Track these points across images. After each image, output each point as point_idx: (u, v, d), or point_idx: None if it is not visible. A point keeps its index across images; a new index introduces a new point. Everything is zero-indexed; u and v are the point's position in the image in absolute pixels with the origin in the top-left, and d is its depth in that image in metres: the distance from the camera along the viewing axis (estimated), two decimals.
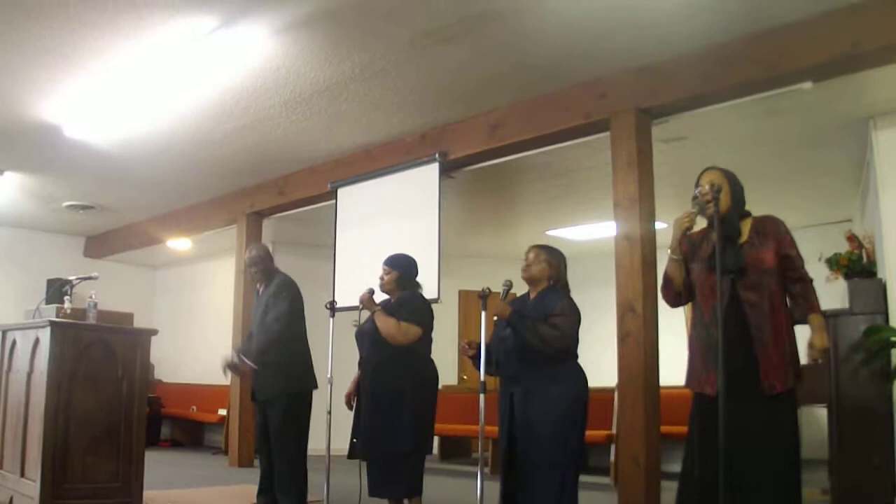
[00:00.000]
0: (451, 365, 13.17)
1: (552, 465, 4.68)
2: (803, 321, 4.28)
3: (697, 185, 4.46)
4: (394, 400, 5.51)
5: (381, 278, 5.83)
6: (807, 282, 4.29)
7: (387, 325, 5.54)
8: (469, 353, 5.11)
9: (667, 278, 4.62)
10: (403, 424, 5.48)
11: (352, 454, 5.69)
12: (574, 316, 4.87)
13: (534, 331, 4.73)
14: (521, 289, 5.10)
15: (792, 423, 4.23)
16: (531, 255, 5.09)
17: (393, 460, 5.53)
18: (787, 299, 4.32)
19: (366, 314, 5.73)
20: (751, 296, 4.23)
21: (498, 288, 4.89)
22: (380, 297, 5.80)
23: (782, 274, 4.29)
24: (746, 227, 4.41)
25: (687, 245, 4.56)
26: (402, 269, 5.86)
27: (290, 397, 6.20)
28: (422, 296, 5.90)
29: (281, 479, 6.16)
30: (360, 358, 5.83)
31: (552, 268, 5.05)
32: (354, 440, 5.64)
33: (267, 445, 6.31)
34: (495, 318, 4.81)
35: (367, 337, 5.70)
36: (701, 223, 4.53)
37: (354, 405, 5.81)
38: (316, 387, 6.36)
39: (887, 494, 6.35)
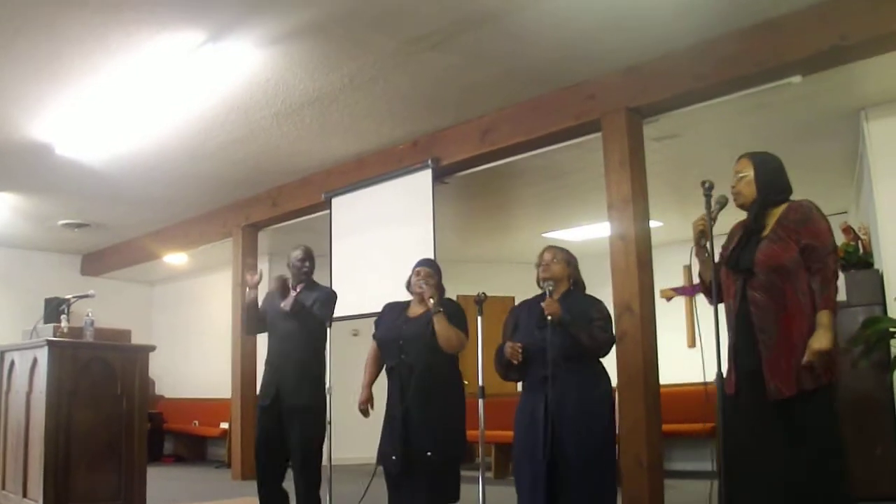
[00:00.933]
0: None
1: (600, 464, 4.69)
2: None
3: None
4: (446, 406, 5.36)
5: (425, 281, 5.51)
6: (826, 274, 3.98)
7: (449, 332, 5.28)
8: (519, 358, 4.89)
9: (700, 277, 4.47)
10: (455, 430, 5.38)
11: (399, 468, 5.30)
12: (610, 319, 4.98)
13: (588, 332, 4.75)
14: (530, 290, 5.10)
15: (820, 428, 3.95)
16: (548, 255, 5.04)
17: (443, 467, 5.27)
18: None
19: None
20: (758, 296, 4.05)
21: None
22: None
23: (807, 268, 4.02)
24: (774, 217, 4.20)
25: (727, 240, 4.37)
26: (440, 273, 5.71)
27: (320, 407, 6.01)
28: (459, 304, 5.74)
29: (301, 493, 5.93)
30: (397, 363, 5.48)
31: (571, 266, 5.06)
32: (394, 456, 5.29)
33: (275, 457, 6.05)
34: (549, 317, 4.72)
35: (418, 342, 5.38)
36: (741, 213, 4.37)
37: (390, 412, 5.45)
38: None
39: (890, 485, 6.35)
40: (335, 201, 9.11)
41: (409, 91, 7.07)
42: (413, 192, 8.15)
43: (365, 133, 8.10)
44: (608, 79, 6.67)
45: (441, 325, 5.27)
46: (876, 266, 7.00)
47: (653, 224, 6.52)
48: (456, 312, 5.49)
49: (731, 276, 4.22)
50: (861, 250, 7.18)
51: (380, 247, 8.05)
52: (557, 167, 8.70)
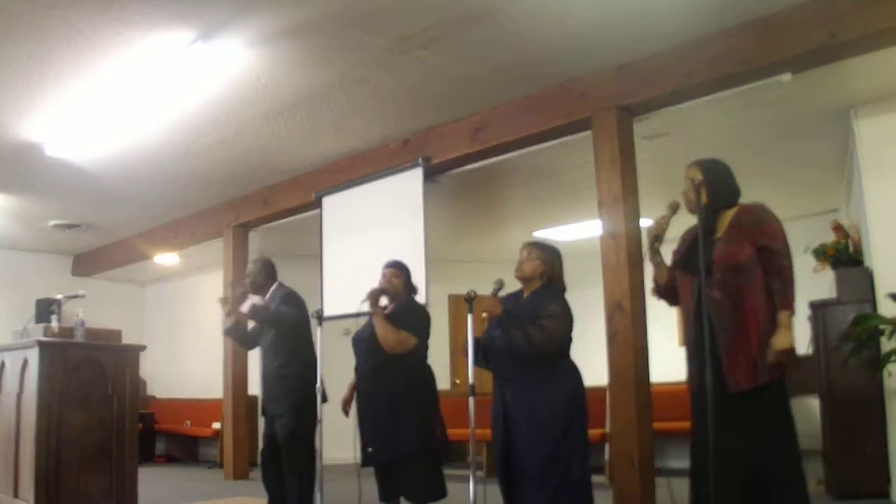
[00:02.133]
0: (443, 370, 13.12)
1: (545, 466, 4.63)
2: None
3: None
4: (392, 405, 5.51)
5: (390, 281, 5.78)
6: (784, 275, 4.17)
7: (385, 332, 5.50)
8: (495, 311, 4.82)
9: (654, 281, 4.65)
10: (402, 430, 5.47)
11: (364, 462, 5.64)
12: (565, 318, 4.80)
13: (522, 331, 4.67)
14: (512, 287, 5.08)
15: (775, 418, 4.17)
16: (524, 253, 4.99)
17: (401, 465, 5.51)
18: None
19: (363, 321, 5.70)
20: (716, 294, 4.18)
21: (485, 291, 4.85)
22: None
23: (761, 267, 4.20)
24: (727, 219, 4.35)
25: (681, 243, 4.56)
26: (408, 274, 5.88)
27: (300, 410, 6.20)
28: (419, 304, 5.90)
29: (293, 488, 6.17)
30: (357, 364, 5.82)
31: (546, 265, 4.94)
32: (370, 449, 5.58)
33: (275, 456, 6.32)
34: (484, 315, 4.72)
35: (364, 343, 5.68)
36: (692, 219, 4.50)
37: (357, 412, 5.77)
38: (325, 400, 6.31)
39: (881, 482, 6.36)
40: (326, 200, 9.10)
41: (399, 90, 7.07)
42: (404, 190, 8.14)
43: (356, 132, 8.09)
44: (599, 77, 6.68)
45: (378, 327, 5.52)
46: (866, 264, 7.01)
47: (643, 222, 6.51)
48: (406, 313, 5.69)
49: (686, 277, 4.37)
50: (851, 248, 7.20)
51: (371, 246, 8.04)
52: (548, 165, 8.71)
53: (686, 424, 4.48)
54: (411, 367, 5.65)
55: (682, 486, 4.57)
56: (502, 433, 4.83)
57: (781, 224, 4.32)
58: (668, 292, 4.61)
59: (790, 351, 4.11)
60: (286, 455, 6.21)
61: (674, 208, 4.43)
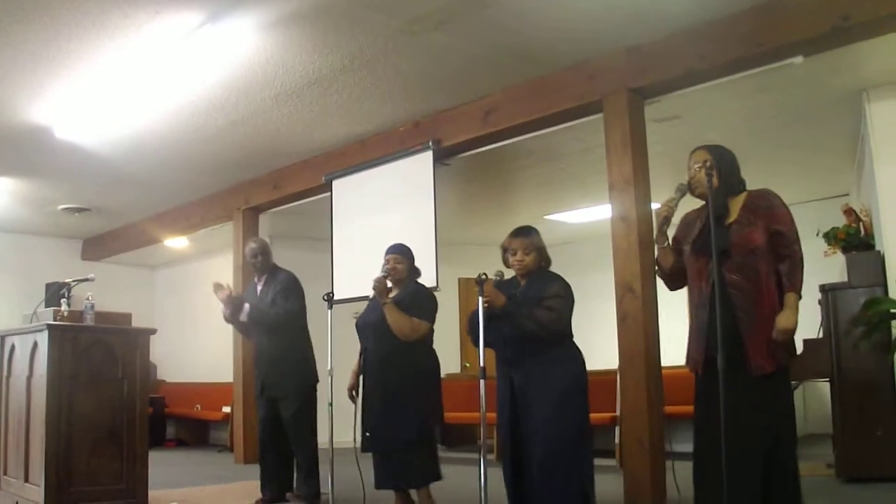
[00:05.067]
0: (453, 353, 13.16)
1: (559, 447, 4.66)
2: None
3: (689, 167, 4.45)
4: (400, 392, 5.55)
5: (394, 267, 5.80)
6: (795, 259, 4.20)
7: (399, 322, 5.54)
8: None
9: (657, 264, 4.66)
10: (410, 416, 5.52)
11: (365, 447, 5.69)
12: (568, 296, 4.87)
13: (530, 317, 4.71)
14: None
15: (786, 400, 4.24)
16: (520, 249, 4.98)
17: (400, 452, 5.54)
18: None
19: (363, 305, 5.72)
20: (735, 278, 4.20)
21: (493, 278, 4.84)
22: None
23: (773, 252, 4.23)
24: (738, 204, 4.35)
25: (682, 226, 4.56)
26: (411, 258, 5.89)
27: (303, 391, 6.55)
28: (426, 288, 5.92)
29: (301, 469, 6.57)
30: (364, 349, 5.83)
31: (538, 251, 5.00)
32: (367, 433, 5.65)
33: (274, 440, 6.67)
34: (486, 304, 4.74)
35: (372, 329, 5.69)
36: (696, 202, 4.51)
37: (360, 397, 5.81)
38: (318, 380, 6.66)
39: (891, 465, 6.35)
40: (336, 184, 9.09)
41: (409, 72, 7.04)
42: (414, 173, 8.13)
43: (366, 115, 8.07)
44: (609, 59, 6.64)
45: (390, 316, 5.57)
46: (877, 247, 6.99)
47: (654, 205, 6.48)
48: (418, 300, 5.73)
49: (700, 260, 4.36)
50: (862, 232, 7.17)
51: (381, 229, 8.03)
52: (559, 148, 8.69)
53: None
54: (421, 353, 5.70)
55: (686, 468, 4.58)
56: (509, 418, 4.85)
57: (789, 209, 4.35)
58: (674, 275, 4.59)
59: (792, 332, 4.15)
60: (293, 433, 6.55)
61: (682, 191, 4.42)
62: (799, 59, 5.91)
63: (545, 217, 11.69)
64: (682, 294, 4.66)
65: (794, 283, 4.18)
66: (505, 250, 5.08)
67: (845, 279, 6.88)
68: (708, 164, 4.31)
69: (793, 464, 4.16)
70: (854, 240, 7.07)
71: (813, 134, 8.46)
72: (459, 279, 12.82)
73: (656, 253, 4.66)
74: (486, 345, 4.66)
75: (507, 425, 4.87)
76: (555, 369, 4.76)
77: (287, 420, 6.55)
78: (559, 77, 6.99)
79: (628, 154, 6.47)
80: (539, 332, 4.70)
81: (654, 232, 4.53)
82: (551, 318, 4.73)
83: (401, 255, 5.85)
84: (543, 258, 5.03)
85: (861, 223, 7.26)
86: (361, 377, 5.86)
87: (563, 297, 4.83)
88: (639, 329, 6.25)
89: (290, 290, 6.66)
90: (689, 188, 4.43)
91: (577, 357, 4.90)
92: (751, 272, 4.19)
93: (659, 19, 6.07)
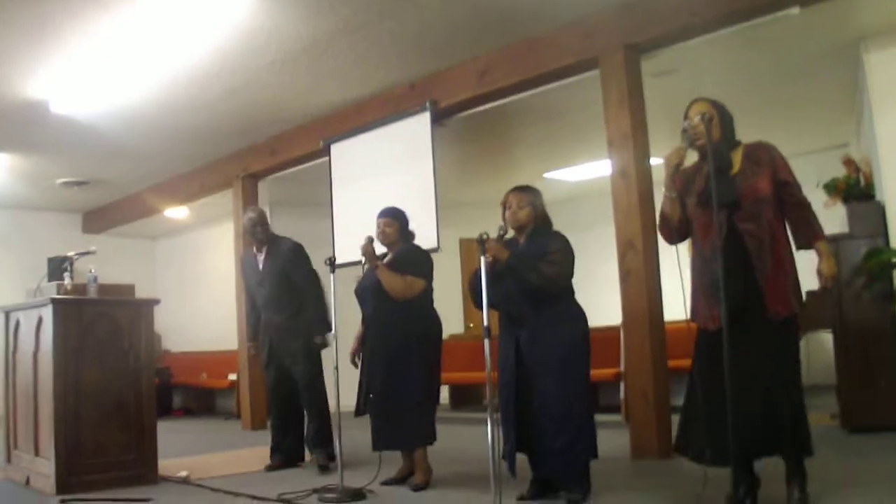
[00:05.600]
0: (456, 314, 13.19)
1: (567, 404, 4.70)
2: (807, 247, 4.26)
3: (686, 117, 4.41)
4: (401, 354, 5.55)
5: (383, 231, 5.81)
6: (806, 206, 4.24)
7: (392, 281, 5.55)
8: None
9: (664, 216, 4.53)
10: (413, 377, 5.54)
11: (359, 411, 5.76)
12: (569, 250, 4.90)
13: (536, 271, 4.73)
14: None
15: (796, 347, 4.27)
16: (514, 202, 5.02)
17: (403, 413, 5.57)
18: (788, 226, 4.27)
19: (364, 269, 5.73)
20: (749, 227, 4.17)
21: (495, 234, 4.85)
22: (378, 249, 5.78)
23: (779, 201, 4.23)
24: (738, 156, 4.33)
25: (681, 180, 4.50)
26: (402, 221, 5.88)
27: (312, 353, 6.66)
28: (420, 248, 5.92)
29: (315, 431, 6.66)
30: (364, 314, 5.85)
31: (535, 207, 5.02)
32: (371, 395, 5.68)
33: (285, 404, 6.81)
34: (490, 259, 4.73)
35: (370, 292, 5.70)
36: (692, 157, 4.48)
37: (363, 361, 5.84)
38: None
39: (894, 415, 6.38)
40: (334, 148, 9.08)
41: (403, 34, 7.00)
42: (412, 135, 8.12)
43: (361, 78, 8.04)
44: (605, 16, 6.60)
45: (382, 276, 5.60)
46: (878, 198, 6.98)
47: (653, 161, 6.47)
48: (409, 258, 5.75)
49: (706, 212, 4.29)
50: (862, 182, 7.16)
51: (380, 192, 8.01)
52: (556, 106, 8.66)
53: None
54: (421, 314, 5.70)
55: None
56: (514, 375, 4.86)
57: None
58: (682, 228, 4.52)
59: (835, 277, 4.30)
60: (306, 395, 6.67)
61: (690, 139, 4.35)
62: (796, 10, 5.88)
63: (545, 175, 11.66)
64: (683, 249, 4.62)
65: (818, 232, 4.25)
66: (504, 206, 5.10)
67: (846, 230, 6.87)
68: (706, 115, 4.27)
69: (802, 407, 4.15)
70: (854, 190, 7.06)
71: (811, 85, 8.42)
72: (460, 240, 12.82)
73: (663, 205, 4.58)
74: (489, 305, 4.63)
75: (512, 385, 4.88)
76: (562, 327, 4.80)
77: (301, 383, 6.67)
78: (554, 35, 6.95)
79: (626, 109, 6.46)
80: (545, 285, 4.73)
81: (665, 180, 4.46)
82: (556, 272, 4.77)
83: (391, 219, 5.84)
84: (539, 216, 5.03)
85: (861, 173, 7.24)
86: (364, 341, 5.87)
87: (564, 252, 4.86)
88: (641, 285, 6.27)
89: (298, 257, 6.77)
90: (691, 140, 4.38)
91: (581, 314, 4.93)
92: (763, 220, 4.18)
93: None
